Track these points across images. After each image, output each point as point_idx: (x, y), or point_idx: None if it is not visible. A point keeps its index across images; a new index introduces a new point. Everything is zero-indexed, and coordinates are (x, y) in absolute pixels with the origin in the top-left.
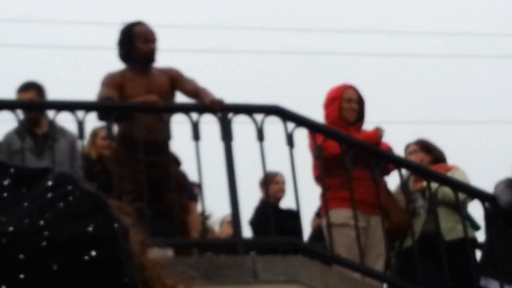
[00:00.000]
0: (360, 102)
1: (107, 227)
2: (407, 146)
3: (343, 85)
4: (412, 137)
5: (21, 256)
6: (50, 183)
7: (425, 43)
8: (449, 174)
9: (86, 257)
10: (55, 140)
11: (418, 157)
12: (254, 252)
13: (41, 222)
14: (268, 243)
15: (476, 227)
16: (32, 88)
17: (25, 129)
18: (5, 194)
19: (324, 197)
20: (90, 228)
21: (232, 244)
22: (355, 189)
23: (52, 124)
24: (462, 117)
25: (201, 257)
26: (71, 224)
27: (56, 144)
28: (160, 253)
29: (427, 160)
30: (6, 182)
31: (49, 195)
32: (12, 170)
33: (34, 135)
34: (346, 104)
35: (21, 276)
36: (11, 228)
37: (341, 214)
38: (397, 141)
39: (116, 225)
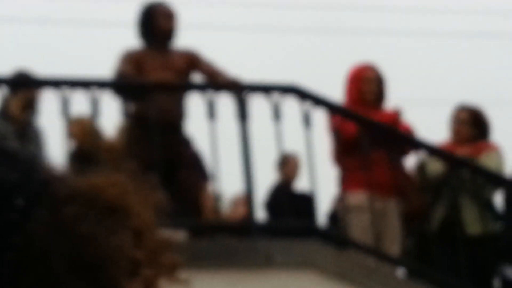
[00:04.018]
0: (380, 82)
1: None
2: (458, 111)
3: (362, 64)
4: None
5: None
6: None
7: (470, 21)
8: (484, 156)
9: None
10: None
11: (465, 131)
12: (268, 235)
13: None
14: (282, 226)
15: (498, 217)
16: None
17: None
18: None
19: (340, 179)
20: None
21: (246, 227)
22: (373, 171)
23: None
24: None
25: (213, 241)
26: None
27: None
28: (172, 235)
29: (472, 134)
30: None
31: None
32: None
33: (13, 118)
34: (364, 85)
35: None
36: None
37: (357, 197)
38: (435, 122)
39: None
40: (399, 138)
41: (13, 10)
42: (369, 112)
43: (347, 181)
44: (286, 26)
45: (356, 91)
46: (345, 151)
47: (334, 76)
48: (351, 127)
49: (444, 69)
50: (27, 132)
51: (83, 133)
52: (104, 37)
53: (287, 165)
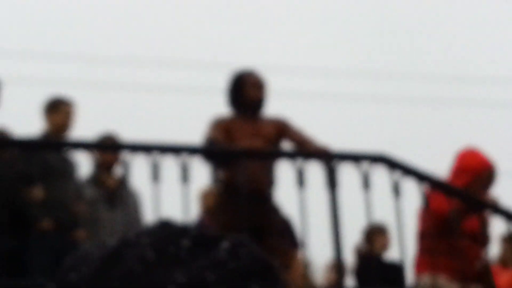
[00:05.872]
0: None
1: (274, 286)
2: None
3: (487, 162)
4: None
5: None
6: (225, 245)
7: None
8: None
9: None
10: (125, 189)
11: None
12: None
13: (211, 278)
14: None
15: None
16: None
17: (98, 176)
18: (183, 254)
19: (422, 258)
20: (257, 286)
21: None
22: (456, 256)
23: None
24: None
25: None
26: (239, 282)
27: (126, 197)
28: None
29: None
30: (185, 243)
31: (222, 255)
32: (193, 232)
33: (104, 184)
34: (481, 185)
35: None
36: (181, 279)
37: (438, 281)
38: None
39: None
40: (488, 207)
41: (105, 76)
42: None
43: (429, 261)
44: (376, 95)
45: (466, 183)
46: (435, 228)
47: (425, 147)
48: (442, 203)
49: None
50: (118, 197)
51: None
52: (194, 104)
53: (377, 235)
